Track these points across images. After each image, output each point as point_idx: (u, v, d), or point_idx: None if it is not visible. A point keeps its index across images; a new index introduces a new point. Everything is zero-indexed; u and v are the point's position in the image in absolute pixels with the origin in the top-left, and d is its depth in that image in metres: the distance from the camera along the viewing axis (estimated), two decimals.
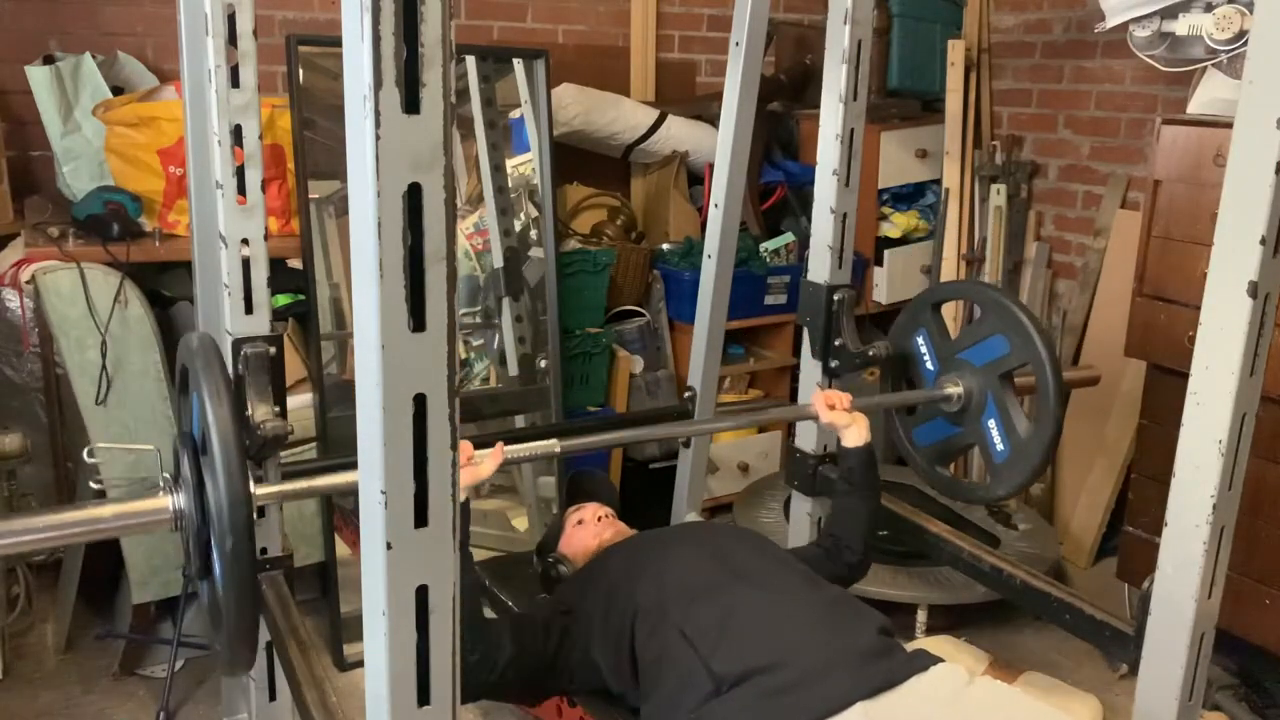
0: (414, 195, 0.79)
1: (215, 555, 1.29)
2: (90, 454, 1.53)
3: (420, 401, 0.83)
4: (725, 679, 1.57)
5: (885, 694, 1.54)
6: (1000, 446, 2.09)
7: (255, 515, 1.68)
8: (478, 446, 1.76)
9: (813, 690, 1.53)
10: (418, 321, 0.81)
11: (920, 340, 2.25)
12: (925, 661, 1.61)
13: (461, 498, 1.53)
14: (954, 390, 2.14)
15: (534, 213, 3.12)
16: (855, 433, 2.05)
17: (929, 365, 2.24)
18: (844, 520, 2.06)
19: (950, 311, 3.33)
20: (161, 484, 1.37)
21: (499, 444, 1.74)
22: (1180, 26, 2.71)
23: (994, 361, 2.09)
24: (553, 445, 1.82)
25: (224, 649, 1.35)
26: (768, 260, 3.47)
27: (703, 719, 1.56)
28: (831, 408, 2.05)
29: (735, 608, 1.67)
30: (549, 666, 1.76)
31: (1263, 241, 1.39)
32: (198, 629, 2.62)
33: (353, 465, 0.88)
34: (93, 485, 1.50)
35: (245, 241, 1.68)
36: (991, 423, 2.10)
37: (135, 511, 1.35)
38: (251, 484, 1.30)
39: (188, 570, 1.39)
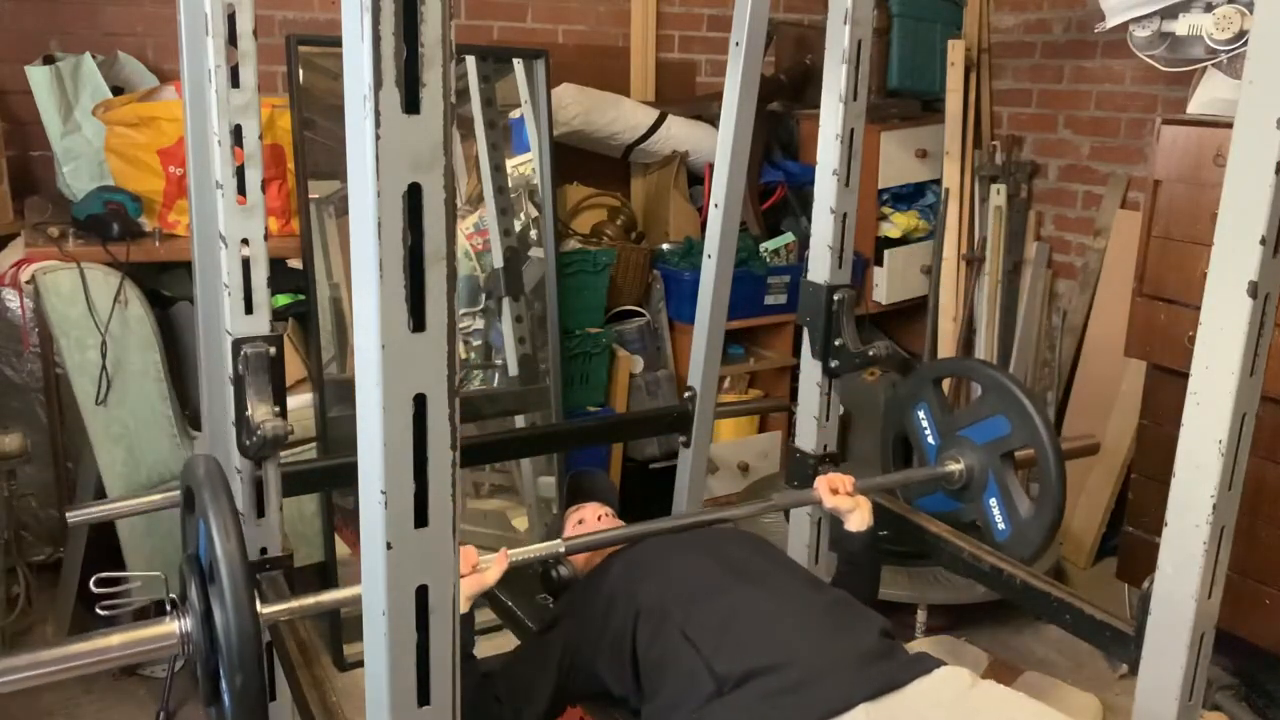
0: (414, 195, 0.79)
1: (225, 688, 1.29)
2: (97, 584, 1.54)
3: (420, 401, 0.83)
4: (727, 680, 1.57)
5: (888, 696, 1.54)
6: (1001, 526, 2.09)
7: (253, 498, 1.69)
8: (478, 446, 1.76)
9: (815, 691, 1.53)
10: (418, 321, 0.81)
11: (921, 414, 2.25)
12: (929, 664, 1.61)
13: (464, 608, 1.52)
14: (955, 468, 2.13)
15: (534, 213, 3.12)
16: (858, 517, 2.02)
17: (930, 440, 2.24)
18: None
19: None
20: (168, 608, 1.37)
21: (504, 550, 1.71)
22: (1180, 26, 2.71)
23: (995, 441, 2.08)
24: (557, 545, 1.80)
25: None
26: (768, 260, 3.47)
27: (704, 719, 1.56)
28: (835, 492, 2.02)
29: (737, 609, 1.67)
30: (557, 696, 1.76)
31: (1263, 241, 1.39)
32: None
33: (350, 472, 0.88)
34: (100, 612, 1.50)
35: (245, 241, 1.68)
36: (993, 501, 2.10)
37: (142, 639, 1.35)
38: (259, 605, 1.30)
39: (200, 692, 1.39)
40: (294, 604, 1.53)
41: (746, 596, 1.69)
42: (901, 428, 2.30)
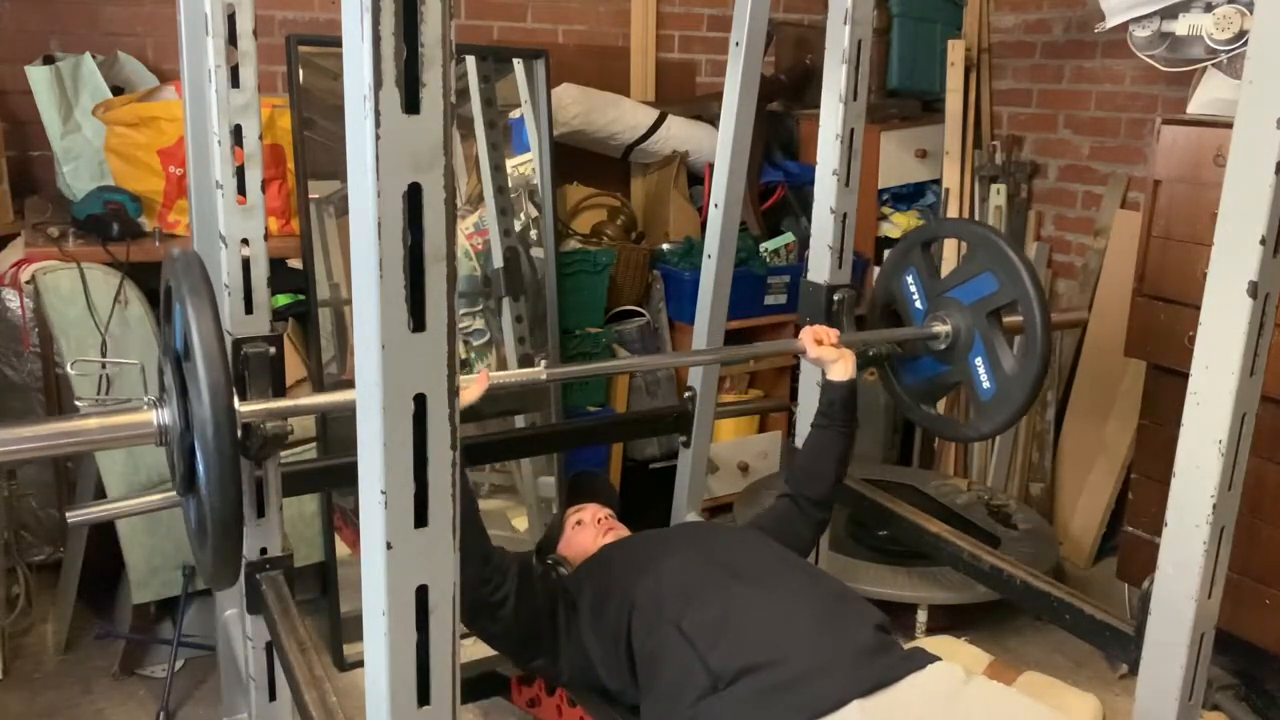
0: (414, 195, 0.79)
1: (199, 458, 1.28)
2: (72, 366, 1.54)
3: (420, 401, 0.83)
4: (722, 676, 1.57)
5: (882, 692, 1.54)
6: (986, 384, 2.09)
7: (253, 498, 1.69)
8: (478, 446, 1.76)
9: (809, 687, 1.53)
10: (418, 321, 0.81)
11: (909, 279, 2.25)
12: (922, 660, 1.61)
13: None
14: (942, 329, 2.14)
15: (534, 213, 3.12)
16: (841, 368, 2.07)
17: (918, 305, 2.24)
18: (817, 454, 2.08)
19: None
20: (146, 403, 1.37)
21: (484, 370, 1.74)
22: (1180, 26, 2.71)
23: (982, 300, 2.09)
24: (539, 372, 1.83)
25: (208, 560, 1.35)
26: (768, 260, 3.47)
27: (700, 716, 1.56)
28: (820, 343, 2.07)
29: (733, 605, 1.67)
30: (540, 626, 1.77)
31: (1263, 241, 1.39)
32: (198, 629, 2.62)
33: (350, 472, 0.88)
34: (76, 404, 1.50)
35: (245, 241, 1.68)
36: (979, 360, 2.10)
37: (120, 425, 1.36)
38: (236, 401, 1.30)
39: (174, 484, 1.39)
40: (272, 404, 1.56)
41: (742, 593, 1.70)
42: (890, 295, 2.31)
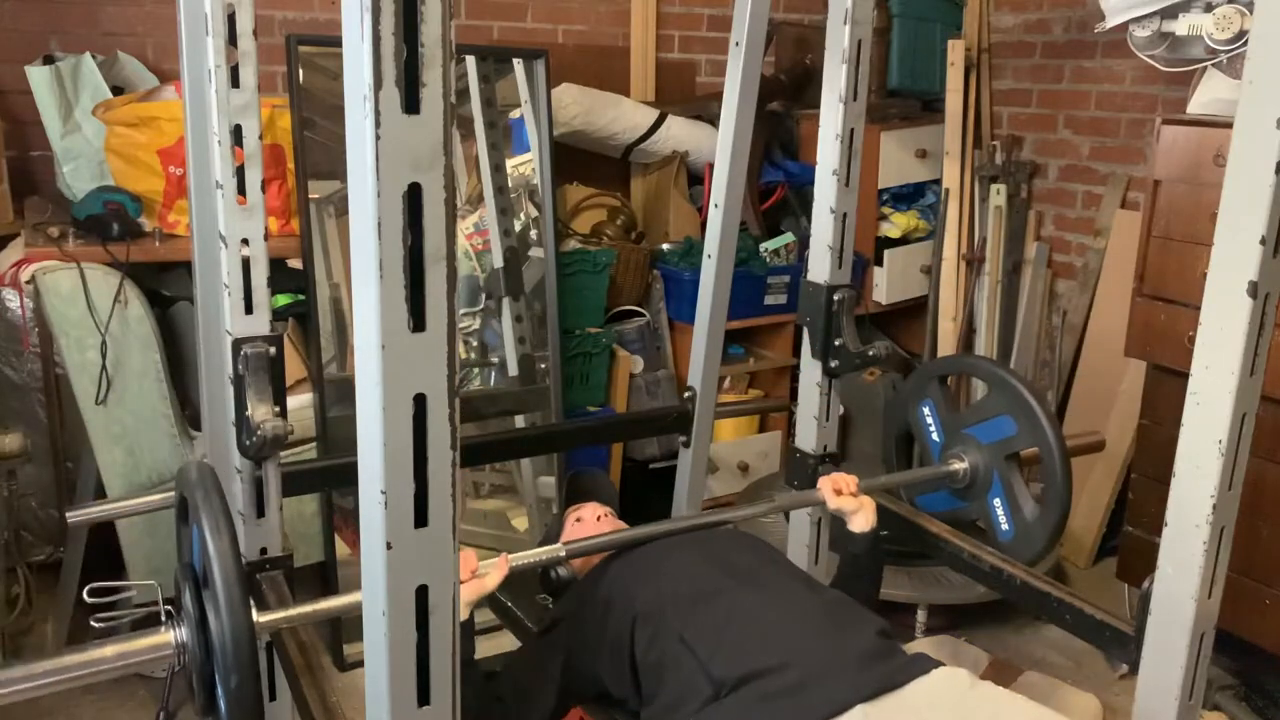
0: (414, 195, 0.79)
1: (220, 693, 1.28)
2: (90, 594, 1.53)
3: (420, 401, 0.83)
4: (724, 683, 1.57)
5: (886, 697, 1.54)
6: (1005, 526, 2.07)
7: (253, 497, 1.69)
8: (478, 446, 1.75)
9: (812, 693, 1.52)
10: (418, 321, 0.81)
11: (926, 411, 2.23)
12: (926, 665, 1.61)
13: (463, 615, 1.50)
14: (959, 466, 2.11)
15: (534, 213, 3.12)
16: (863, 518, 2.00)
17: (934, 436, 2.22)
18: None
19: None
20: (163, 618, 1.36)
21: (504, 555, 1.70)
22: (1180, 26, 2.71)
23: (1001, 441, 2.06)
24: (558, 549, 1.79)
25: None
26: (768, 260, 3.47)
27: None
28: (839, 492, 2.01)
29: (734, 612, 1.67)
30: (561, 698, 1.76)
31: (1263, 241, 1.39)
32: None
33: (350, 472, 0.88)
34: (94, 624, 1.50)
35: (245, 241, 1.68)
36: (997, 501, 2.07)
37: (137, 650, 1.33)
38: (255, 613, 1.29)
39: (194, 706, 1.38)
40: (292, 612, 1.51)
41: (743, 599, 1.69)
42: (905, 425, 2.29)
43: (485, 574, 1.66)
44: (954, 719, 1.54)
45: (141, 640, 1.34)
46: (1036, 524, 2.02)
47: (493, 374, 3.15)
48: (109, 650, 1.32)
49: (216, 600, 1.25)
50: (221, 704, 1.28)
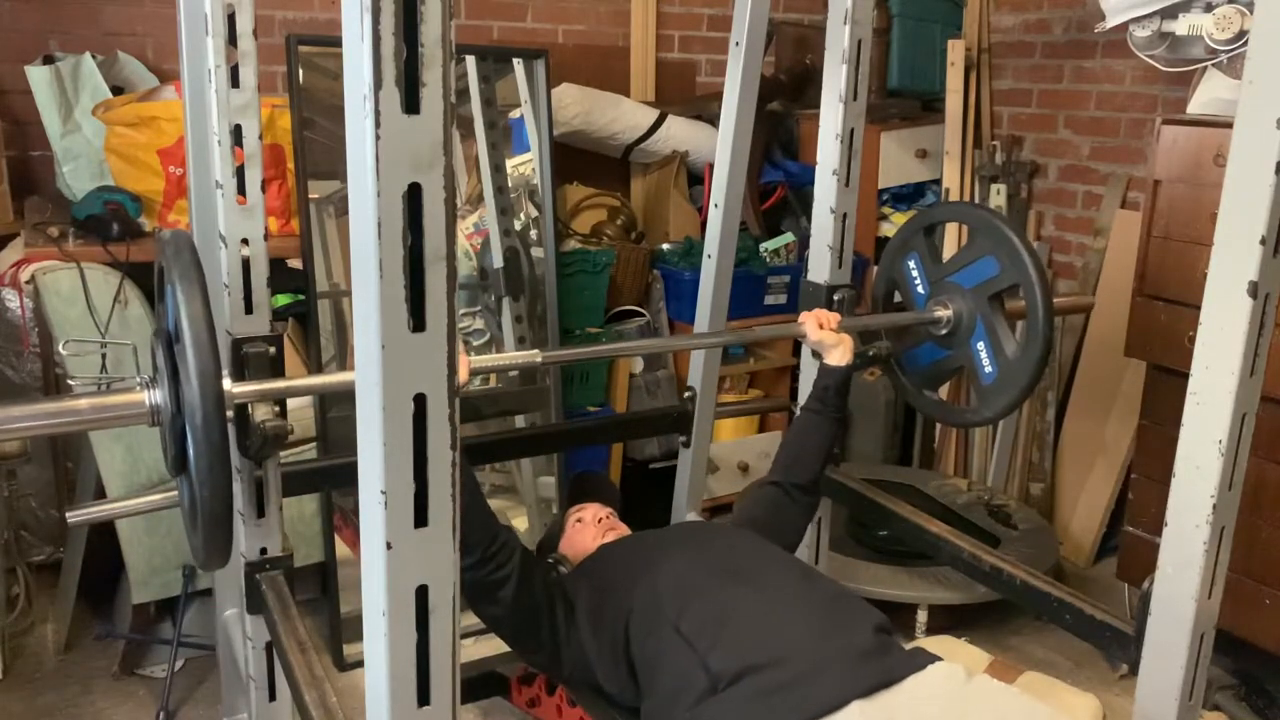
0: (414, 195, 0.79)
1: (189, 439, 1.28)
2: (64, 346, 1.52)
3: (420, 401, 0.83)
4: (721, 677, 1.57)
5: (882, 692, 1.54)
6: (989, 369, 2.09)
7: (253, 497, 1.69)
8: (478, 446, 1.75)
9: (809, 688, 1.53)
10: (418, 321, 0.81)
11: (911, 264, 2.25)
12: (923, 660, 1.61)
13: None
14: (943, 313, 2.14)
15: (534, 213, 3.12)
16: (840, 352, 2.08)
17: (919, 289, 2.23)
18: (805, 439, 2.09)
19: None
20: (139, 382, 1.37)
21: (466, 359, 1.72)
22: (1180, 26, 2.71)
23: (984, 283, 2.08)
24: (534, 355, 1.82)
25: (199, 541, 1.35)
26: (768, 260, 3.47)
27: (699, 718, 1.56)
28: (821, 326, 2.08)
29: (731, 606, 1.67)
30: (543, 619, 1.77)
31: (1263, 241, 1.39)
32: (198, 629, 2.62)
33: (350, 472, 0.88)
34: (70, 383, 1.50)
35: (245, 241, 1.68)
36: (980, 345, 2.10)
37: (112, 404, 1.35)
38: (228, 382, 1.30)
39: (166, 465, 1.39)
40: (265, 385, 1.55)
41: (741, 594, 1.70)
42: (892, 282, 2.30)
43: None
44: (951, 714, 1.54)
45: (117, 397, 1.36)
46: (1019, 362, 2.04)
47: (492, 374, 3.15)
48: (84, 403, 1.34)
49: (185, 353, 1.26)
50: (190, 450, 1.29)
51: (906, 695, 1.54)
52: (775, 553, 1.90)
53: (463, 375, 1.65)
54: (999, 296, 2.08)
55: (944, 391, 2.46)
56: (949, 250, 3.16)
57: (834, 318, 2.10)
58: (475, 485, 1.77)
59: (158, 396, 1.35)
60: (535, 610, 1.77)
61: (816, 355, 2.14)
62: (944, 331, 2.15)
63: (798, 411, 2.17)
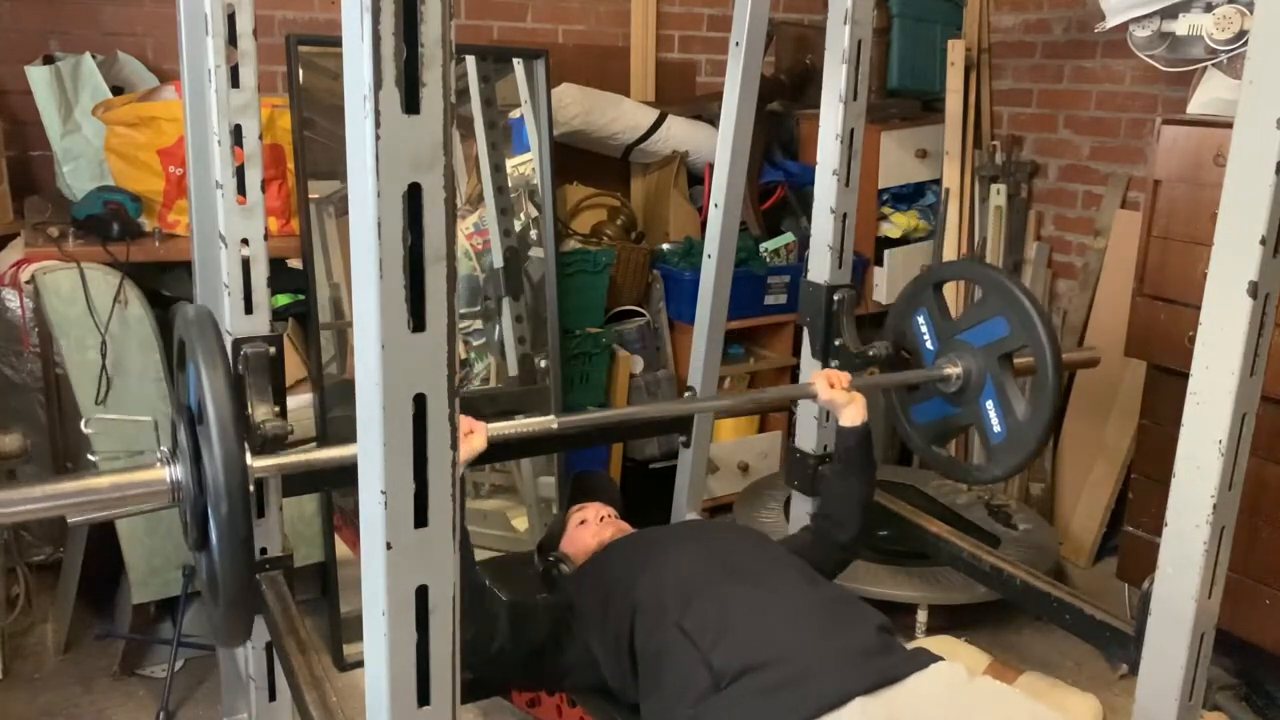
0: (414, 195, 0.79)
1: (212, 523, 1.28)
2: (87, 424, 1.52)
3: (420, 401, 0.83)
4: (724, 675, 1.57)
5: (884, 690, 1.54)
6: (997, 428, 2.09)
7: (253, 498, 1.69)
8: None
9: (812, 686, 1.53)
10: (418, 321, 0.81)
11: (920, 320, 2.26)
12: (925, 659, 1.61)
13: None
14: (953, 371, 2.14)
15: (534, 213, 3.12)
16: (852, 412, 2.07)
17: (929, 345, 2.24)
18: (838, 499, 2.08)
19: (952, 292, 3.33)
20: (159, 457, 1.36)
21: (483, 424, 1.73)
22: (1180, 26, 2.71)
23: (994, 343, 2.09)
24: (550, 421, 1.81)
25: (220, 619, 1.35)
26: (768, 260, 3.47)
27: (702, 715, 1.56)
28: (831, 387, 2.07)
29: (734, 604, 1.67)
30: (543, 655, 1.77)
31: (1263, 241, 1.39)
32: (198, 629, 2.62)
33: (350, 472, 0.88)
34: (90, 458, 1.49)
35: (245, 241, 1.68)
36: (989, 404, 2.10)
37: (132, 483, 1.35)
38: (249, 457, 1.29)
39: (186, 541, 1.39)
40: (284, 459, 1.54)
41: (743, 593, 1.70)
42: (901, 335, 2.31)
43: (469, 433, 1.69)
44: (952, 713, 1.54)
45: (137, 474, 1.35)
46: (1028, 424, 2.04)
47: (493, 374, 3.15)
48: (104, 481, 1.33)
49: (210, 433, 1.25)
50: (213, 536, 1.29)
51: (909, 693, 1.55)
52: (778, 552, 1.91)
53: (479, 443, 1.68)
54: (1009, 356, 2.08)
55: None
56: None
57: (844, 377, 2.08)
58: (470, 563, 1.78)
59: (178, 473, 1.34)
60: (536, 654, 1.78)
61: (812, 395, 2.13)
62: (953, 389, 2.15)
63: (806, 425, 2.17)
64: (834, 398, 2.06)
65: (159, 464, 1.35)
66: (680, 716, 1.59)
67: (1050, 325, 2.04)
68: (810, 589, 1.76)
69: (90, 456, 1.46)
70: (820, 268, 2.26)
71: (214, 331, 1.34)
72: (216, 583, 1.32)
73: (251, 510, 1.31)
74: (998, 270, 2.29)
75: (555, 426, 1.82)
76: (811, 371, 2.25)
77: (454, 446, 0.86)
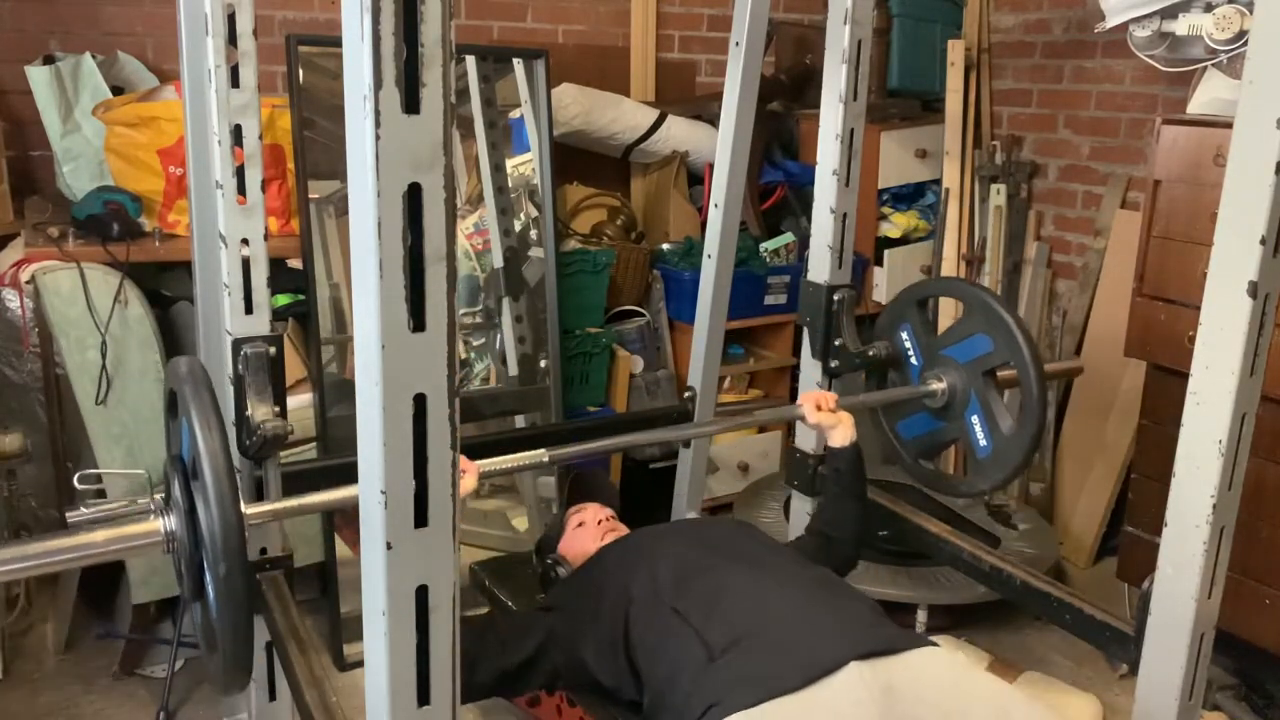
0: (414, 195, 0.79)
1: (209, 580, 1.28)
2: (80, 480, 1.53)
3: (420, 401, 0.83)
4: (717, 646, 1.57)
5: (880, 659, 1.53)
6: (983, 443, 2.11)
7: (253, 497, 1.70)
8: (478, 446, 1.76)
9: (808, 650, 1.53)
10: (418, 321, 0.81)
11: (905, 335, 2.27)
12: (921, 640, 1.62)
13: None
14: (938, 386, 2.16)
15: (534, 213, 3.12)
16: (841, 433, 2.08)
17: (913, 360, 2.26)
18: (835, 519, 2.09)
19: (949, 309, 3.33)
20: (152, 507, 1.37)
21: (475, 463, 1.74)
22: (1180, 26, 2.71)
23: (977, 359, 2.11)
24: (540, 455, 1.82)
25: (218, 671, 1.35)
26: (768, 260, 3.47)
27: (700, 689, 1.55)
28: (819, 408, 2.08)
29: (726, 584, 1.69)
30: (525, 667, 1.78)
31: (1263, 241, 1.39)
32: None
33: (350, 472, 0.88)
34: (83, 508, 1.50)
35: (245, 241, 1.68)
36: (975, 419, 2.12)
37: (127, 535, 1.35)
38: (243, 505, 1.30)
39: (180, 589, 1.40)
40: (279, 505, 1.55)
41: (736, 572, 1.71)
42: (886, 347, 2.32)
43: (463, 475, 1.69)
44: (950, 697, 1.53)
45: (132, 528, 1.36)
46: (1014, 439, 2.06)
47: (493, 374, 3.15)
48: (100, 535, 1.33)
49: (206, 491, 1.26)
50: (210, 592, 1.29)
51: (906, 667, 1.54)
52: (769, 541, 1.93)
53: (470, 484, 1.69)
54: (993, 372, 2.10)
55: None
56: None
57: (831, 398, 2.11)
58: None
59: (172, 523, 1.35)
60: (507, 670, 1.78)
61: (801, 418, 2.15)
62: (939, 405, 2.17)
63: (806, 427, 2.18)
64: (821, 419, 2.08)
65: (153, 515, 1.36)
66: (679, 695, 1.58)
67: (1032, 342, 2.05)
68: (801, 570, 1.77)
69: (83, 506, 1.46)
70: (820, 268, 2.26)
71: (207, 387, 1.34)
72: (214, 635, 1.32)
73: (248, 570, 1.31)
74: (978, 287, 2.33)
75: (546, 460, 1.83)
76: (809, 373, 2.25)
77: (454, 446, 0.86)
